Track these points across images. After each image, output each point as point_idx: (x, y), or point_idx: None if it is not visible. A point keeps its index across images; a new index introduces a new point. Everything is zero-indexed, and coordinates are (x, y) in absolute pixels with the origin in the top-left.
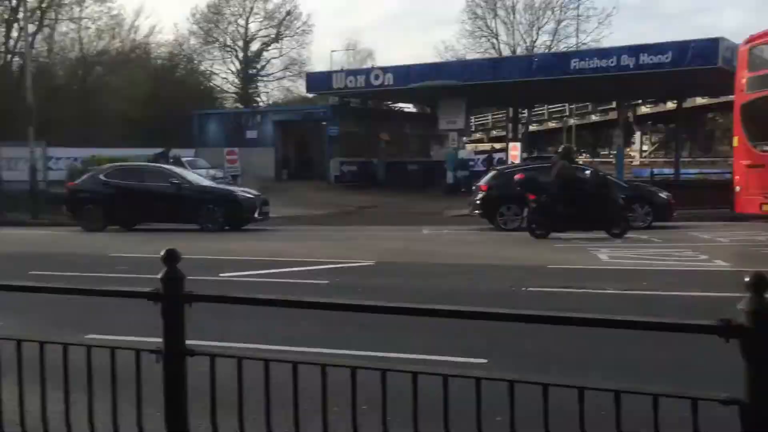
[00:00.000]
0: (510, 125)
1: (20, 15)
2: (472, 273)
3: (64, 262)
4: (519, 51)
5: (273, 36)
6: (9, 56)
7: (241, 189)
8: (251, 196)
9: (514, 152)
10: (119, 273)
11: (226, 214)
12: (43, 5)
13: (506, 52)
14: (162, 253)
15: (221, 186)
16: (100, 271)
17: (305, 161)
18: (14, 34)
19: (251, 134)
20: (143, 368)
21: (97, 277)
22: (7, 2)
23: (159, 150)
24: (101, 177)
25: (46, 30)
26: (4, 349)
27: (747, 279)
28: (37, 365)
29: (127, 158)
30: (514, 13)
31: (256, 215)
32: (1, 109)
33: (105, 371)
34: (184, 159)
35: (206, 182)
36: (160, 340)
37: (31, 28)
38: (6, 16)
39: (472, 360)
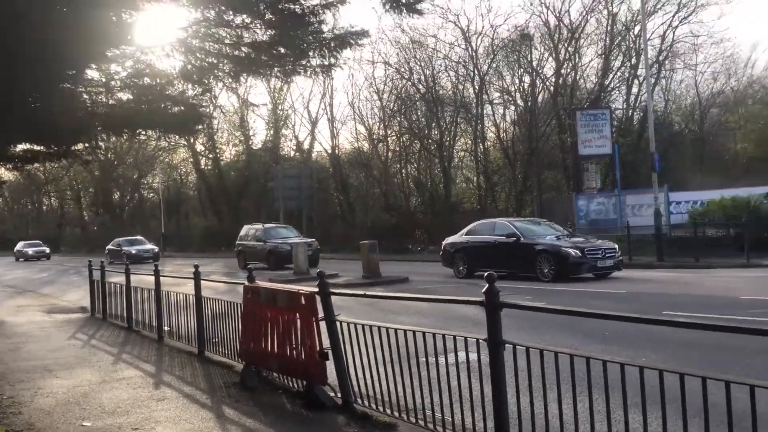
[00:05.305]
0: None
1: (639, 71)
2: None
3: (692, 304)
4: None
5: None
6: (630, 111)
7: None
8: None
9: None
10: (752, 316)
11: None
12: (660, 58)
13: None
14: None
15: None
16: (731, 313)
17: None
18: (634, 89)
19: None
20: None
21: (729, 320)
22: (627, 62)
23: None
24: None
25: (663, 81)
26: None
27: None
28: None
29: (737, 198)
30: None
31: None
32: (627, 161)
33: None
34: None
35: None
36: None
37: (650, 81)
38: (627, 75)
39: None
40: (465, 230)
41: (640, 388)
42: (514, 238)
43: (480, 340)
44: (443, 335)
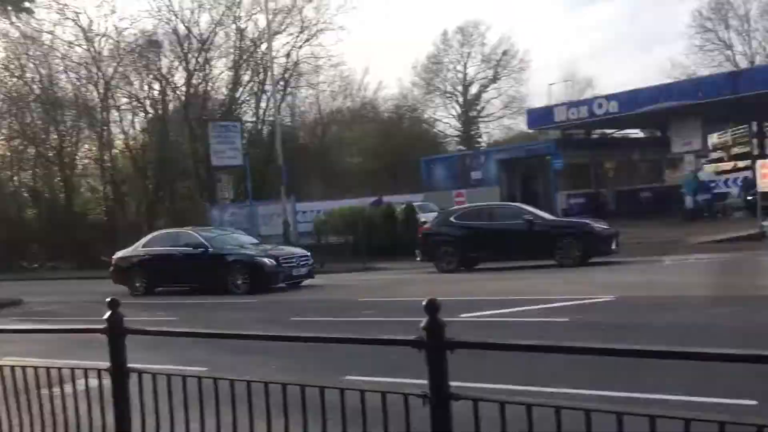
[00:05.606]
0: (755, 141)
1: (267, 87)
2: (734, 305)
3: (320, 309)
4: (759, 60)
5: (491, 77)
6: (260, 124)
7: (594, 221)
8: (605, 228)
9: (766, 170)
10: (366, 317)
11: (584, 247)
12: (286, 75)
13: (743, 63)
14: (425, 302)
15: (577, 220)
16: (351, 315)
17: (531, 196)
18: (263, 104)
19: (476, 175)
20: (386, 410)
21: (348, 322)
22: (256, 77)
23: (373, 198)
24: (452, 219)
25: (289, 98)
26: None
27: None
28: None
29: (353, 207)
30: (748, 21)
31: (613, 247)
32: (258, 171)
33: (369, 412)
34: (415, 204)
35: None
36: (413, 381)
37: (278, 97)
38: (256, 89)
39: (738, 402)
40: (142, 242)
41: (265, 401)
42: (202, 249)
43: (102, 371)
44: (59, 368)
